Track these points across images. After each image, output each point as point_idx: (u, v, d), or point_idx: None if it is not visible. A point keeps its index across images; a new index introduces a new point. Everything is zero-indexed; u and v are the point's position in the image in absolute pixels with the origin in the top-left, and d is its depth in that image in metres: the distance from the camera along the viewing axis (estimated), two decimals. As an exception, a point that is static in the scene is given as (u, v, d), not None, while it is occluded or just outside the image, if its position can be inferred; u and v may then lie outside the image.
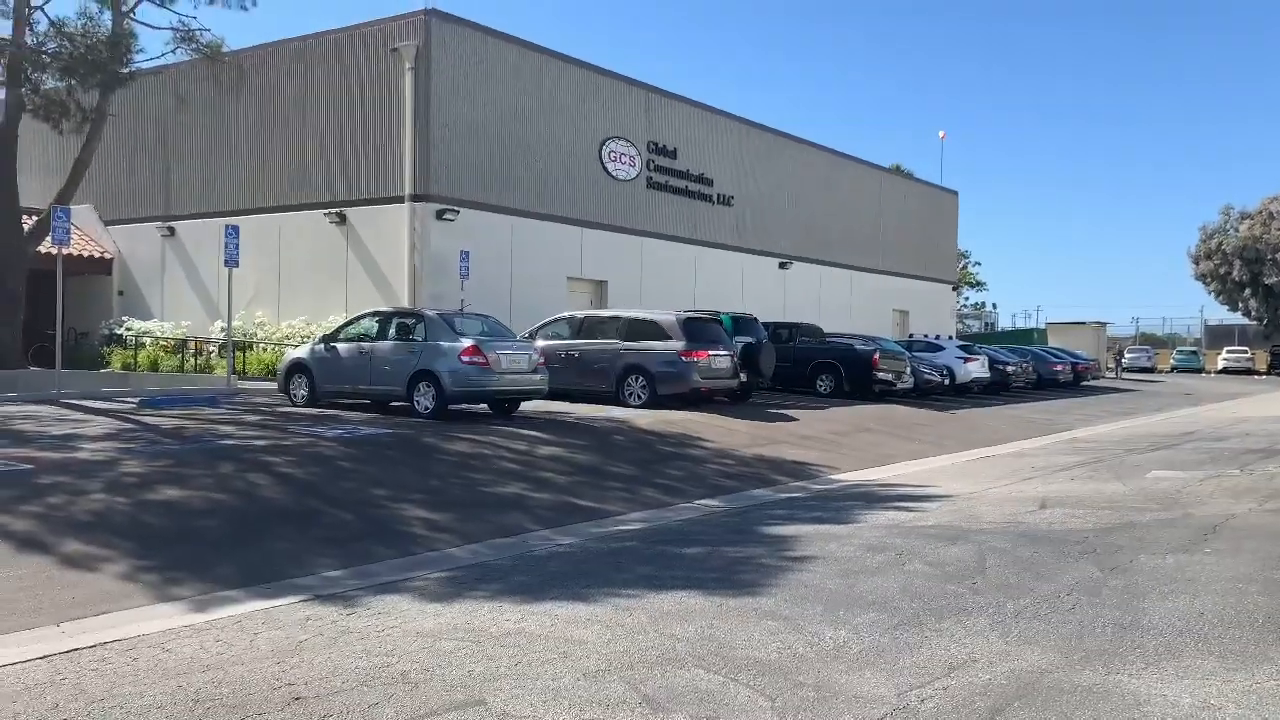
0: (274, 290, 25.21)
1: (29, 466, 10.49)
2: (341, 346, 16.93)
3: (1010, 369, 32.90)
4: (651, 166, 29.70)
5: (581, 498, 11.18)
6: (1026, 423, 23.07)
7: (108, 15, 21.49)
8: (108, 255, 28.67)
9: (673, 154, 30.39)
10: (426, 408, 15.73)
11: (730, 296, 29.71)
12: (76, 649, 5.67)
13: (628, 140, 28.76)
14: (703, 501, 11.52)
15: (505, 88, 25.10)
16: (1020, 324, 75.48)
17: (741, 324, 22.62)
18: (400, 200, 23.47)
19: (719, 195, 32.26)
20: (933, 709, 4.74)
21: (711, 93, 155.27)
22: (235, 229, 20.54)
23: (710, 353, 19.14)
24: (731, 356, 19.86)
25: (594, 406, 18.29)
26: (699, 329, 19.45)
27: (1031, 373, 34.83)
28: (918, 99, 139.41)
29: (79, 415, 15.18)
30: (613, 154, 28.27)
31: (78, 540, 8.05)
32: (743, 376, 20.44)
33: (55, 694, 4.94)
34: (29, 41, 20.94)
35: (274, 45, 25.96)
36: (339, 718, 4.63)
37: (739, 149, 33.25)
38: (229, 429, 13.88)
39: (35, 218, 22.56)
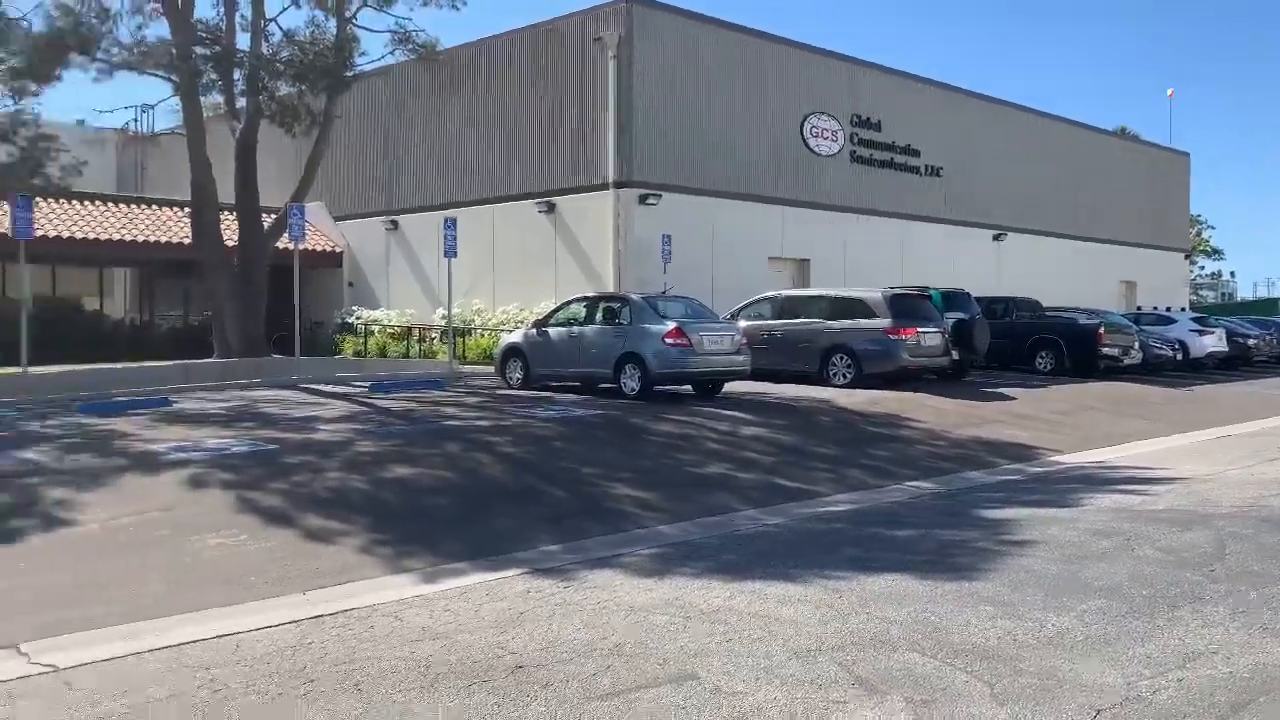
0: (489, 278, 26.25)
1: (275, 446, 11.38)
2: (552, 331, 17.48)
3: (1251, 342, 30.41)
4: (855, 140, 29.10)
5: (787, 478, 11.14)
6: (1269, 400, 21.32)
7: (333, 22, 22.88)
8: (338, 249, 30.61)
9: (877, 126, 29.66)
10: (633, 389, 16.04)
11: (939, 271, 28.75)
12: (320, 615, 6.13)
13: (830, 115, 28.28)
14: (912, 483, 11.26)
15: (705, 69, 25.17)
16: (1262, 294, 69.58)
17: (953, 299, 21.88)
18: (604, 188, 23.94)
19: (927, 166, 31.26)
20: (1167, 701, 4.49)
21: (919, 62, 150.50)
22: (453, 221, 21.53)
23: (919, 330, 18.63)
24: (942, 333, 19.26)
25: (797, 387, 18.15)
26: (907, 305, 18.96)
27: (1277, 346, 32.10)
28: (1143, 57, 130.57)
29: (317, 399, 16.31)
30: (814, 129, 27.87)
31: (319, 515, 8.68)
32: (954, 354, 19.79)
33: (303, 656, 5.36)
34: (264, 52, 22.58)
35: (483, 42, 26.95)
36: (559, 686, 4.82)
37: (947, 117, 32.09)
38: (452, 411, 14.59)
39: (273, 216, 24.31)
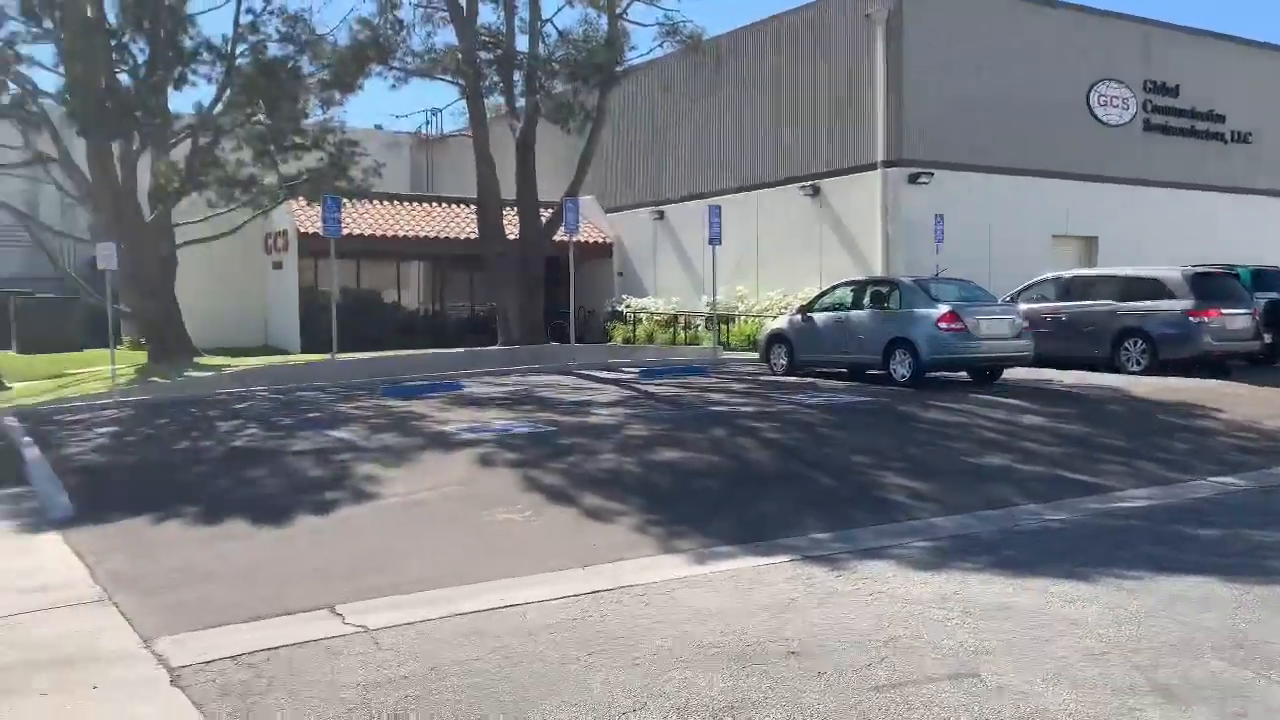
0: (753, 264, 26.34)
1: (553, 428, 11.94)
2: (818, 317, 17.31)
3: None
4: (1148, 108, 26.97)
5: (1072, 471, 10.50)
6: None
7: (604, 19, 23.64)
8: (608, 240, 31.64)
9: (1174, 91, 27.35)
10: (903, 375, 15.62)
11: (1246, 248, 26.18)
12: (598, 591, 6.36)
13: (1119, 81, 26.35)
14: (1217, 479, 10.32)
15: (980, 40, 24.08)
16: None
17: (1264, 278, 19.87)
18: (872, 168, 23.43)
19: (1233, 133, 28.52)
20: None
21: (1223, 19, 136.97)
22: (717, 209, 21.75)
23: (1224, 311, 17.05)
24: (1251, 315, 17.55)
25: (1084, 373, 17.07)
26: (1210, 285, 17.40)
27: None
28: None
29: (590, 384, 16.96)
30: (1102, 98, 26.06)
31: (595, 494, 9.03)
32: (1265, 338, 17.99)
33: (584, 629, 5.60)
34: (541, 52, 23.64)
35: (747, 28, 27.00)
36: (835, 675, 4.78)
37: (1258, 77, 29.11)
38: (718, 396, 14.77)
39: (550, 210, 25.44)
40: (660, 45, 24.69)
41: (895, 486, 9.60)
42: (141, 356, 23.03)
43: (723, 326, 24.89)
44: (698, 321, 26.85)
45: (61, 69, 19.62)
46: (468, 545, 7.64)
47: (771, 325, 19.00)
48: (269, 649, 5.39)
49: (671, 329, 27.50)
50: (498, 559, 7.26)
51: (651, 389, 16.04)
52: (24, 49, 19.45)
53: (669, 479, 9.68)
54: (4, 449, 12.37)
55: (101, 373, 19.73)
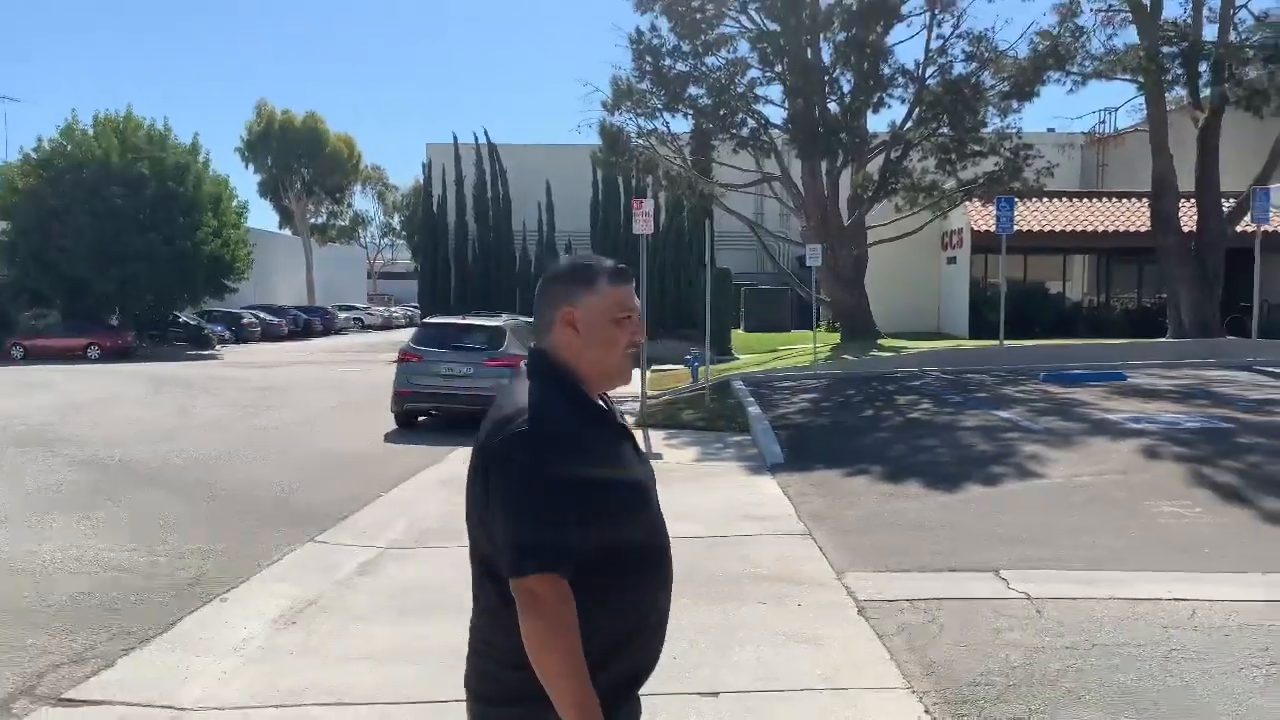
0: None
1: (1230, 425, 10.35)
2: None
3: None
4: None
5: None
6: None
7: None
8: (1303, 229, 26.36)
9: None
10: None
11: None
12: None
13: None
14: None
15: None
16: None
17: None
18: None
19: None
20: None
21: None
22: None
23: None
24: None
25: None
26: None
27: None
28: None
29: (1274, 382, 14.39)
30: None
31: (1275, 497, 7.65)
32: None
33: (1264, 638, 4.80)
34: (1231, 39, 20.44)
35: None
36: None
37: None
38: None
39: (1233, 201, 21.98)
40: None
41: None
42: (836, 337, 24.70)
43: None
44: None
45: (785, 104, 21.67)
46: (1129, 532, 6.97)
47: None
48: (940, 598, 5.48)
49: (1380, 327, 22.11)
50: (1161, 551, 6.53)
51: (1352, 392, 13.11)
52: (760, 90, 21.86)
53: (1375, 492, 7.84)
54: (734, 405, 14.13)
55: (805, 350, 21.59)
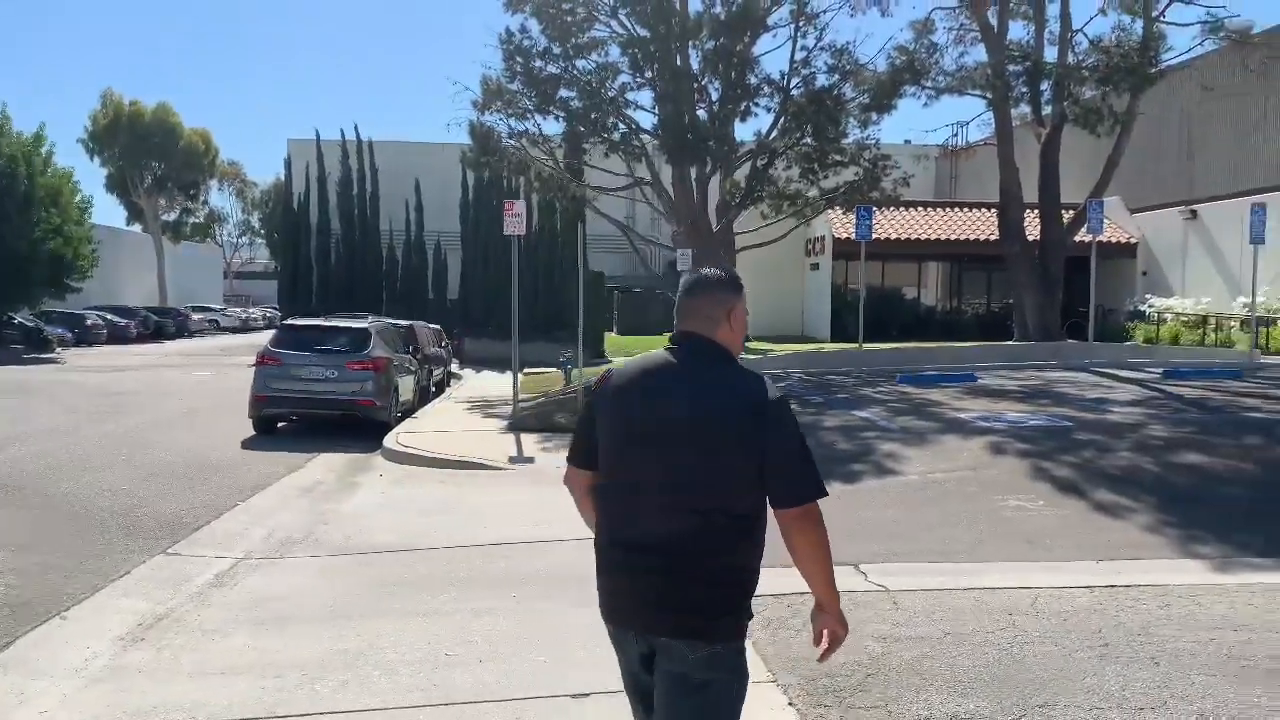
0: (1301, 265, 22.11)
1: (1068, 423, 11.04)
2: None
3: None
4: None
5: None
6: None
7: (1138, 23, 21.22)
8: (1132, 240, 28.42)
9: None
10: None
11: None
12: (1113, 586, 5.78)
13: None
14: None
15: None
16: None
17: None
18: None
19: None
20: None
21: None
22: (1262, 208, 18.54)
23: None
24: None
25: None
26: None
27: None
28: None
29: (1108, 382, 15.41)
30: None
31: (1108, 490, 8.20)
32: None
33: (1097, 620, 5.13)
34: (1070, 61, 21.81)
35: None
36: (1392, 713, 3.91)
37: None
38: (1253, 402, 12.68)
39: (1072, 212, 23.43)
40: (1200, 44, 21.62)
41: None
42: (705, 340, 25.10)
43: (1261, 330, 21.21)
44: (1231, 324, 23.14)
45: (656, 110, 21.90)
46: (979, 526, 7.35)
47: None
48: (802, 593, 5.56)
49: (1200, 331, 24.00)
50: (1008, 543, 6.91)
51: (1175, 390, 14.18)
52: (630, 95, 22.00)
53: (1189, 482, 8.52)
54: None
55: (676, 352, 21.81)
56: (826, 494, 2.48)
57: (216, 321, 51.20)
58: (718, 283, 2.62)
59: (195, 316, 48.59)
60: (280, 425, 13.58)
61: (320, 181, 34.98)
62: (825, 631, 2.60)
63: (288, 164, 36.17)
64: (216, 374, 23.15)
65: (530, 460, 10.85)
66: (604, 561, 2.58)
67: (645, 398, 2.52)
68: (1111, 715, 3.96)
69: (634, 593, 2.50)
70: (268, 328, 44.36)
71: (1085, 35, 22.46)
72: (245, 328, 51.51)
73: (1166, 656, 4.57)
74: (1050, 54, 22.17)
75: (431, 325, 22.62)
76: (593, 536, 2.63)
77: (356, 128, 36.70)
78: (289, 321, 17.39)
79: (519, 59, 20.31)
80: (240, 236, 70.53)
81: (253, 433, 13.00)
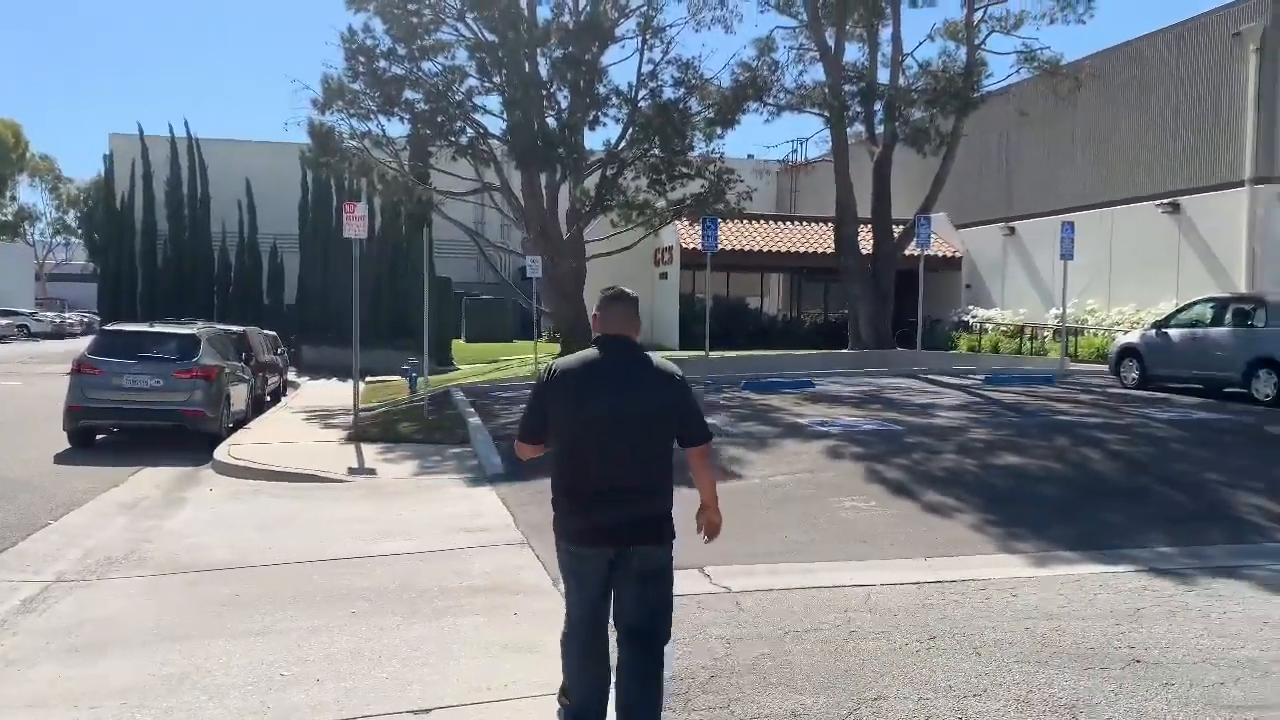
0: (1104, 280, 24.05)
1: (899, 428, 11.59)
2: (1173, 332, 15.49)
3: None
4: None
5: None
6: None
7: (962, 51, 22.59)
8: (957, 254, 30.19)
9: None
10: (1267, 395, 13.61)
11: None
12: (940, 581, 6.11)
13: None
14: None
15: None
16: None
17: None
18: (1238, 185, 20.60)
19: None
20: None
21: None
22: (1070, 225, 20.02)
23: None
24: None
25: None
26: None
27: None
28: None
29: (935, 388, 16.29)
30: None
31: (936, 491, 8.67)
32: None
33: (925, 615, 5.40)
34: (901, 84, 22.99)
35: (1108, 51, 24.66)
36: (1182, 688, 4.29)
37: None
38: (1064, 406, 13.66)
39: (902, 227, 24.69)
40: (1017, 71, 23.22)
41: (1252, 507, 8.40)
42: (556, 348, 25.06)
43: (1071, 339, 22.94)
44: (1045, 333, 24.93)
45: (505, 115, 21.75)
46: (817, 526, 7.62)
47: (1123, 339, 17.26)
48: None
49: (1018, 340, 25.75)
50: (844, 542, 7.19)
51: (995, 395, 15.13)
52: (479, 99, 21.77)
53: (1009, 482, 9.10)
54: (454, 417, 13.94)
55: (526, 359, 21.72)
56: (713, 436, 3.92)
57: (27, 327, 47.38)
58: (633, 299, 3.78)
59: (2, 321, 44.86)
60: (100, 438, 12.70)
61: (146, 179, 32.98)
62: (707, 521, 3.86)
63: (109, 160, 33.93)
64: (26, 383, 21.42)
65: (371, 472, 10.53)
66: (587, 503, 3.52)
67: (613, 385, 3.53)
68: (939, 704, 4.17)
69: (620, 521, 3.49)
70: (86, 334, 41.39)
71: (915, 60, 23.74)
72: (60, 334, 47.89)
73: (988, 646, 4.85)
74: (883, 75, 23.31)
75: (267, 331, 21.69)
76: (558, 487, 3.65)
77: (186, 123, 34.95)
78: (110, 327, 16.26)
79: (362, 58, 19.76)
80: (54, 236, 65.62)
81: (68, 446, 12.09)
